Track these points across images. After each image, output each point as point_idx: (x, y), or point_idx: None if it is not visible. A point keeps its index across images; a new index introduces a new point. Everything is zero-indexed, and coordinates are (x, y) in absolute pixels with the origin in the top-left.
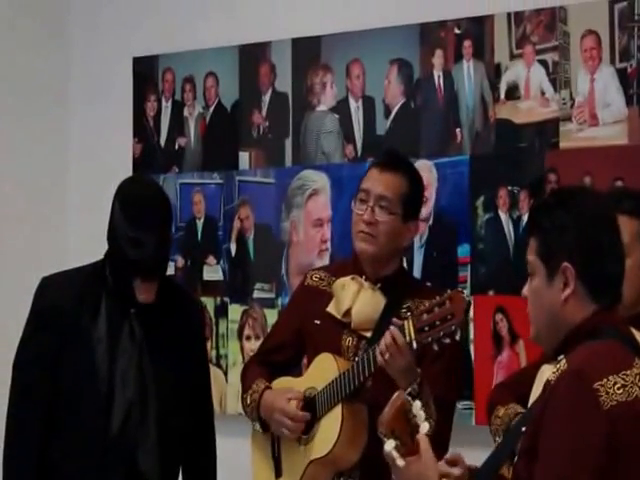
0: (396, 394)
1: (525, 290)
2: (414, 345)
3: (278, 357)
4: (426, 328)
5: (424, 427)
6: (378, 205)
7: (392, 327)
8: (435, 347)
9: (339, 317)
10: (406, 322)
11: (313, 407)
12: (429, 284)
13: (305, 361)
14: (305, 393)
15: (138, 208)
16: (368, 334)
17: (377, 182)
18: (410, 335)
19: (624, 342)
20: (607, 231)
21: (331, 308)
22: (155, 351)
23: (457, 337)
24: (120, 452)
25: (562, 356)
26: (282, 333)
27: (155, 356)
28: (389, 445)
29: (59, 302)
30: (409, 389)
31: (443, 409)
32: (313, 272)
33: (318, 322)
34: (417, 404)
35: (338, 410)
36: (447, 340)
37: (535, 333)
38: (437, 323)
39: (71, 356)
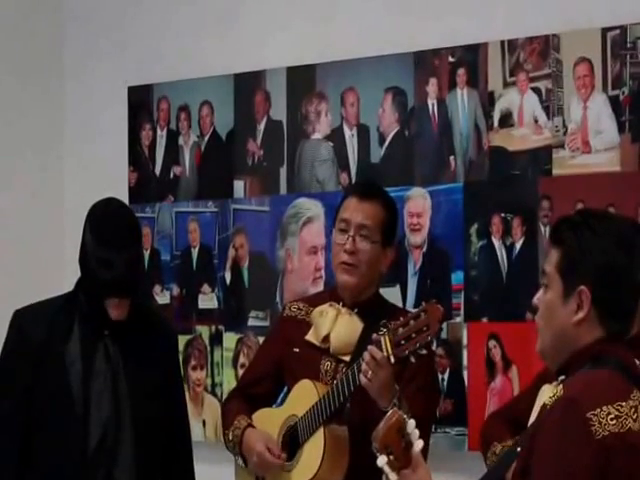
0: (391, 411)
1: (536, 299)
2: (392, 360)
3: (258, 390)
4: (403, 342)
5: (418, 444)
6: (359, 234)
7: (369, 346)
8: (412, 359)
9: (318, 344)
10: (383, 338)
11: (295, 435)
12: (406, 308)
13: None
14: (287, 423)
15: (107, 229)
16: (347, 358)
17: (356, 211)
18: (388, 350)
19: (624, 373)
20: (629, 260)
21: (310, 336)
22: (129, 371)
23: (432, 347)
24: (98, 471)
25: (563, 377)
26: (262, 365)
27: (130, 376)
28: (381, 460)
29: (29, 331)
30: (391, 405)
31: (421, 428)
32: (291, 303)
33: (297, 350)
34: (411, 422)
35: (320, 434)
36: (423, 351)
37: (541, 347)
38: (413, 336)
39: (45, 381)
